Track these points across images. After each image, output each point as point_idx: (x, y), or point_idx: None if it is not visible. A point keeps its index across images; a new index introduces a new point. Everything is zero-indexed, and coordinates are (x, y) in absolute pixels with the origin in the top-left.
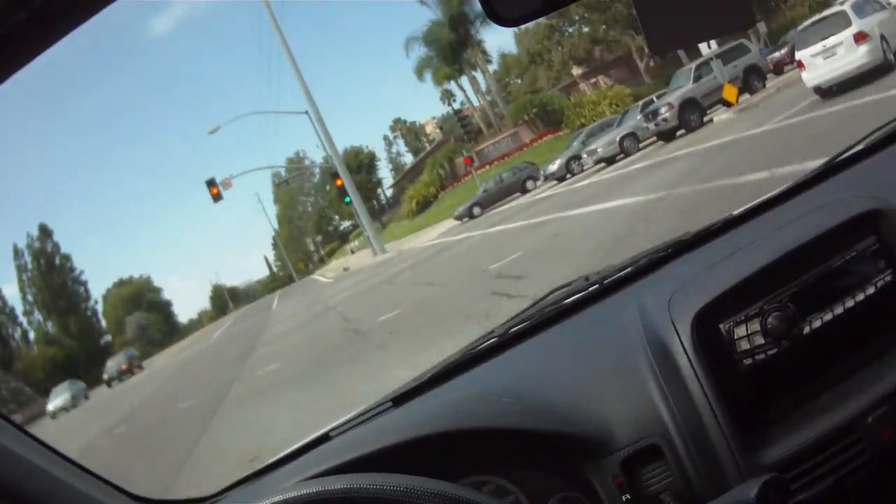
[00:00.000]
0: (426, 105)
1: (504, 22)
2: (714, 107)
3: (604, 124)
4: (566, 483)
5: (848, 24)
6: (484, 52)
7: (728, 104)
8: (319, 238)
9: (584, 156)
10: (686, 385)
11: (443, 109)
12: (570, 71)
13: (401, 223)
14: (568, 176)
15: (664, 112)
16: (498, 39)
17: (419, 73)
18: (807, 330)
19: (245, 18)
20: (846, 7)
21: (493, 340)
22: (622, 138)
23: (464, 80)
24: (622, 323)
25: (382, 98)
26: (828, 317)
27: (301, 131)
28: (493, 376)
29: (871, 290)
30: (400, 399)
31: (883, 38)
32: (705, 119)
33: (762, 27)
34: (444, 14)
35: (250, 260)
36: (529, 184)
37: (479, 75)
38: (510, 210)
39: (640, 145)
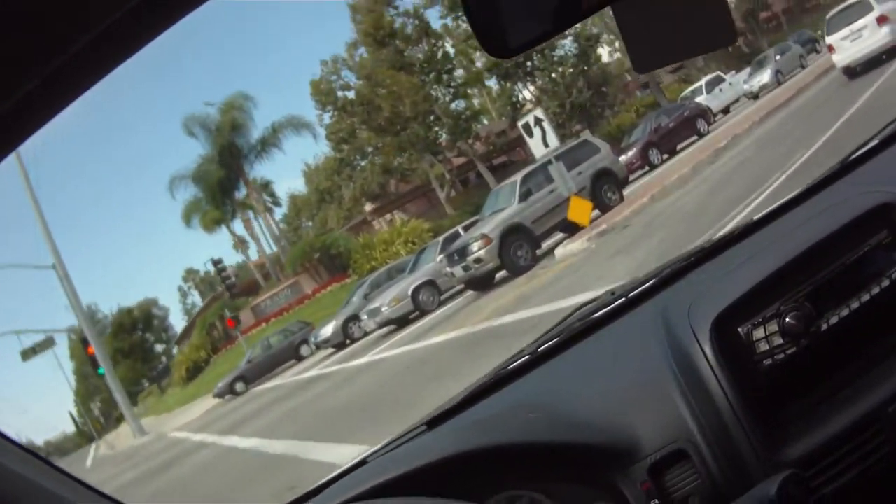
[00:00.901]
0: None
1: (502, 53)
2: (552, 233)
3: (393, 270)
4: (597, 493)
5: (871, 9)
6: (271, 194)
7: (574, 228)
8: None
9: (365, 317)
10: (708, 389)
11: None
12: (361, 208)
13: (174, 391)
14: (347, 342)
15: (476, 249)
16: (287, 180)
17: (186, 219)
18: (824, 327)
19: None
20: None
21: (523, 359)
22: (415, 290)
23: (238, 225)
24: (646, 334)
25: (170, 247)
26: (844, 313)
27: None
28: (524, 393)
29: (886, 283)
30: (433, 422)
31: None
32: (539, 252)
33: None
34: (214, 146)
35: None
36: (304, 349)
37: (263, 218)
38: (276, 392)
39: (445, 296)
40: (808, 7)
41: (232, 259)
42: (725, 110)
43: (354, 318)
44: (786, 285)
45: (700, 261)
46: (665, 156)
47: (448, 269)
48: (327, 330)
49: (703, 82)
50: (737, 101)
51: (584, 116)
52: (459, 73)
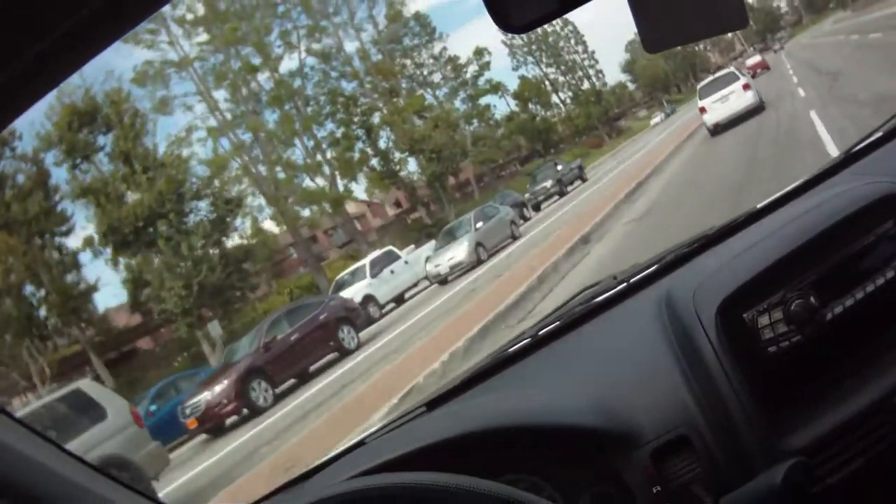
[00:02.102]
0: None
1: (513, 28)
2: None
3: None
4: (598, 477)
5: (737, 79)
6: None
7: None
8: None
9: None
10: (712, 375)
11: None
12: None
13: None
14: None
15: None
16: None
17: None
18: (829, 316)
19: None
20: (732, 69)
21: (524, 342)
22: None
23: None
24: (649, 318)
25: None
26: (850, 302)
27: None
28: (525, 377)
29: (891, 273)
30: (433, 403)
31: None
32: None
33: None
34: None
35: None
36: None
37: None
38: None
39: None
40: (503, 175)
41: None
42: (399, 299)
43: None
44: (791, 273)
45: (704, 247)
46: (278, 390)
47: None
48: None
49: (367, 260)
50: (415, 285)
51: (218, 300)
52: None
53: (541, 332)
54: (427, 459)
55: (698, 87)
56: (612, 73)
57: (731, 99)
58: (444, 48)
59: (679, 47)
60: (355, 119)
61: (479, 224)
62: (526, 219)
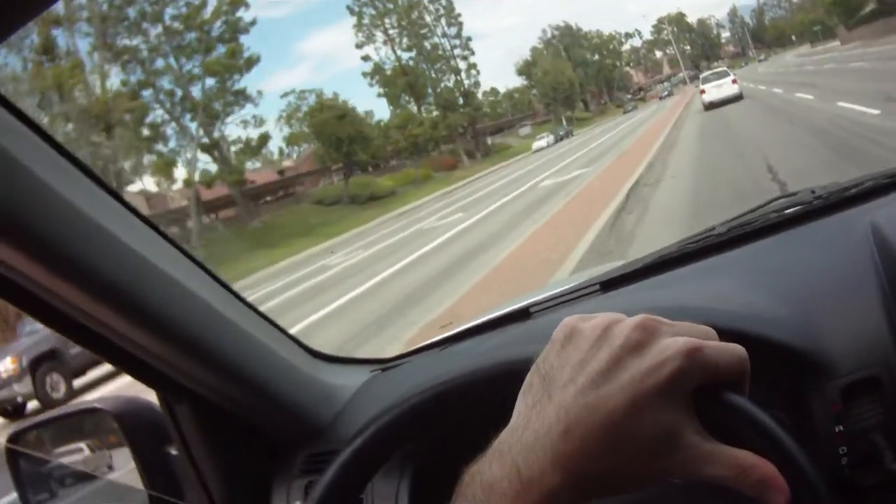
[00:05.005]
0: None
1: None
2: None
3: None
4: (775, 399)
5: (728, 74)
6: None
7: None
8: None
9: None
10: None
11: None
12: None
13: None
14: None
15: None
16: None
17: None
18: None
19: None
20: (725, 68)
21: (712, 238)
22: None
23: None
24: (852, 242)
25: None
26: None
27: None
28: (707, 276)
29: None
30: (608, 284)
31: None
32: None
33: None
34: None
35: None
36: None
37: None
38: None
39: None
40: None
41: None
42: None
43: None
44: None
45: None
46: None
47: None
48: None
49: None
50: None
51: None
52: None
53: (731, 232)
54: None
55: (701, 75)
56: (508, 75)
57: (724, 87)
58: None
59: (597, 57)
60: None
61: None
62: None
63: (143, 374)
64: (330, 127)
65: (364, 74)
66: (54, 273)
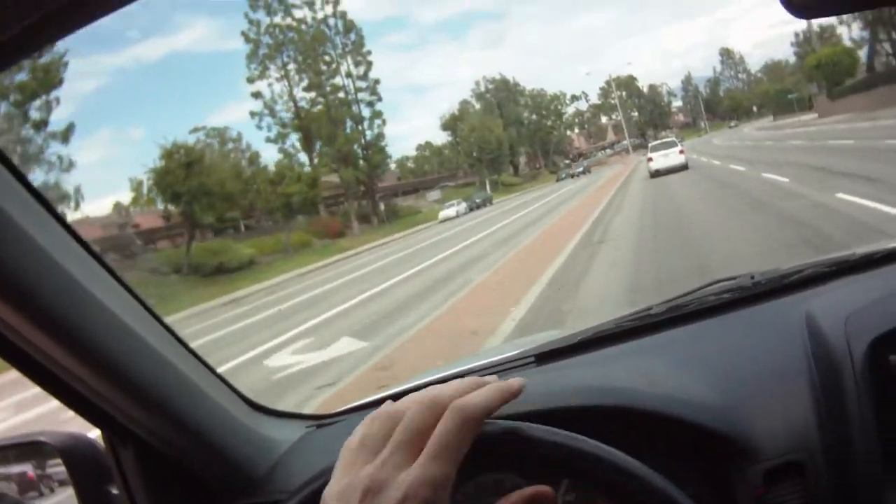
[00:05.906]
0: None
1: (802, 13)
2: None
3: None
4: (697, 481)
5: (675, 144)
6: None
7: None
8: None
9: None
10: (846, 409)
11: None
12: None
13: None
14: None
15: None
16: None
17: None
18: None
19: None
20: (674, 138)
21: (649, 318)
22: None
23: None
24: (786, 330)
25: None
26: None
27: None
28: (642, 356)
29: None
30: (543, 357)
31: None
32: None
33: None
34: None
35: None
36: None
37: None
38: None
39: None
40: None
41: None
42: None
43: None
44: None
45: (844, 271)
46: None
47: None
48: None
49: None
50: None
51: None
52: None
53: (666, 313)
54: (529, 419)
55: (650, 144)
56: (432, 129)
57: (671, 156)
58: None
59: (535, 117)
60: None
61: None
62: None
63: (87, 411)
64: (170, 178)
65: (252, 114)
66: None
